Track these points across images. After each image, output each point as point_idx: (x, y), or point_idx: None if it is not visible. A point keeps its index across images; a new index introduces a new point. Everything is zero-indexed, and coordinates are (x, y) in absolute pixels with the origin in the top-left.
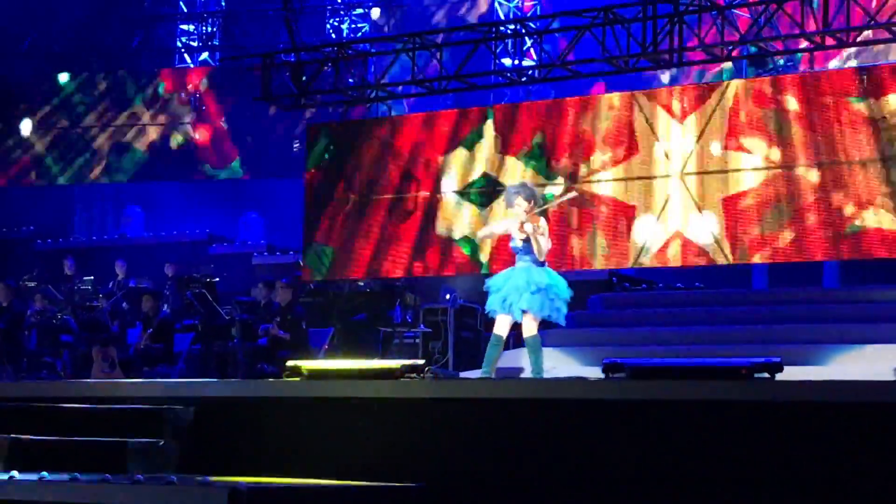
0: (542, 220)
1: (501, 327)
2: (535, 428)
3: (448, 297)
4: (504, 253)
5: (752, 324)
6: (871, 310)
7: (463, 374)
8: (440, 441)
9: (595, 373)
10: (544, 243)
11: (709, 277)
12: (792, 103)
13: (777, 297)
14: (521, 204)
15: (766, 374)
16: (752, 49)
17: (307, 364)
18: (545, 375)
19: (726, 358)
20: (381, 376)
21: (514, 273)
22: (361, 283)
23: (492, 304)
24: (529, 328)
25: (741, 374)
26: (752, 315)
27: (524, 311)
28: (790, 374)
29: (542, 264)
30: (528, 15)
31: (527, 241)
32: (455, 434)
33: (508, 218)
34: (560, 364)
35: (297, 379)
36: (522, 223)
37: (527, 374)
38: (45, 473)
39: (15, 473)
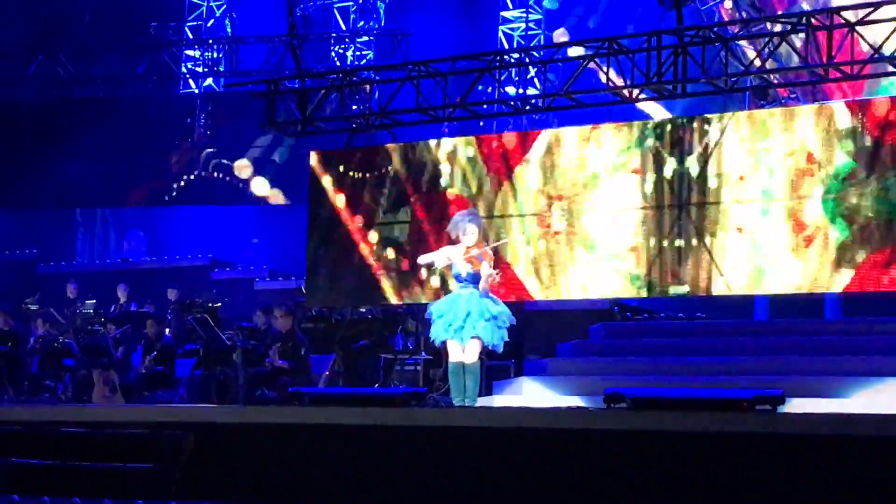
0: (490, 253)
1: (456, 354)
2: (537, 457)
3: None
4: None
5: (754, 355)
6: (877, 342)
7: None
8: (440, 468)
9: (597, 403)
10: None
11: (711, 308)
12: None
13: (780, 328)
14: (473, 232)
15: (769, 406)
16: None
17: (308, 391)
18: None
19: (729, 389)
20: (383, 404)
21: (463, 299)
22: (363, 310)
23: (436, 331)
24: (473, 354)
25: (743, 405)
26: (755, 346)
27: (474, 338)
28: (799, 406)
29: (486, 294)
30: (532, 44)
31: (474, 272)
32: (455, 462)
33: (451, 247)
34: (561, 393)
35: (298, 405)
36: (475, 256)
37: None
38: (45, 497)
39: (16, 497)
